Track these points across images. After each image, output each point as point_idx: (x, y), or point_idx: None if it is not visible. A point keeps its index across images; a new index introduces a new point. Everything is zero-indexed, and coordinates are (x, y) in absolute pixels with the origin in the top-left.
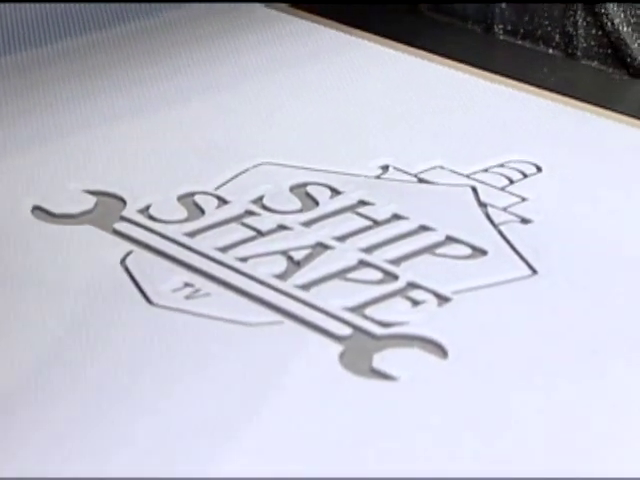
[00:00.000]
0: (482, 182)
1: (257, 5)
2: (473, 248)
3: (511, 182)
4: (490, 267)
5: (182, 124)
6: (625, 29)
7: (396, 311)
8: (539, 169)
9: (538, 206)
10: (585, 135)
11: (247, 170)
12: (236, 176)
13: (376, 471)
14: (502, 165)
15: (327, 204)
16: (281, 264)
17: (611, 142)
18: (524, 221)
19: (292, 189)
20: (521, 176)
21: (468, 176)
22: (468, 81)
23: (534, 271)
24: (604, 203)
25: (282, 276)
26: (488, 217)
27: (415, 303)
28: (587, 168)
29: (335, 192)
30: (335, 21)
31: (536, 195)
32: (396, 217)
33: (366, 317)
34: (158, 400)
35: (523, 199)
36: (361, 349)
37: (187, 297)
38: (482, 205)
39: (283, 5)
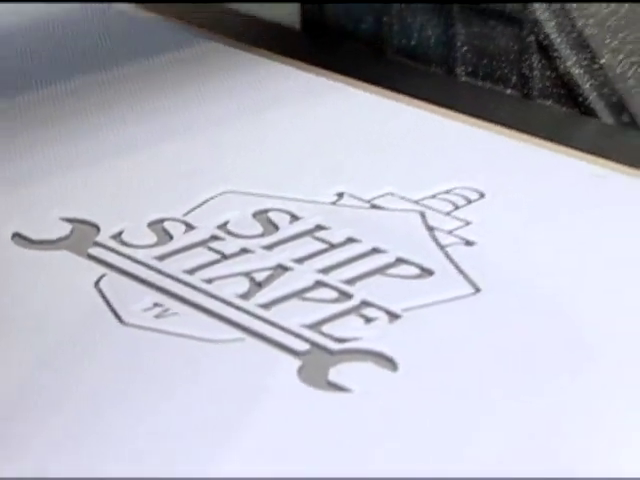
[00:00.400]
0: (430, 207)
1: (235, 50)
2: (421, 268)
3: (456, 207)
4: (437, 286)
5: (154, 159)
6: (577, 71)
7: (350, 328)
8: (483, 195)
9: (481, 229)
10: (532, 166)
11: (213, 198)
12: (203, 203)
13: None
14: (448, 192)
15: (287, 229)
16: (244, 285)
17: (557, 173)
18: (468, 243)
19: (255, 215)
20: (466, 202)
21: (417, 202)
22: (428, 118)
23: (478, 289)
24: (546, 227)
25: (245, 296)
26: (435, 240)
27: (368, 320)
28: (530, 195)
29: (294, 218)
30: (306, 63)
31: (480, 219)
32: (350, 240)
33: (323, 334)
34: (135, 410)
35: (467, 223)
36: (318, 363)
37: (157, 316)
38: (429, 229)
39: (258, 49)
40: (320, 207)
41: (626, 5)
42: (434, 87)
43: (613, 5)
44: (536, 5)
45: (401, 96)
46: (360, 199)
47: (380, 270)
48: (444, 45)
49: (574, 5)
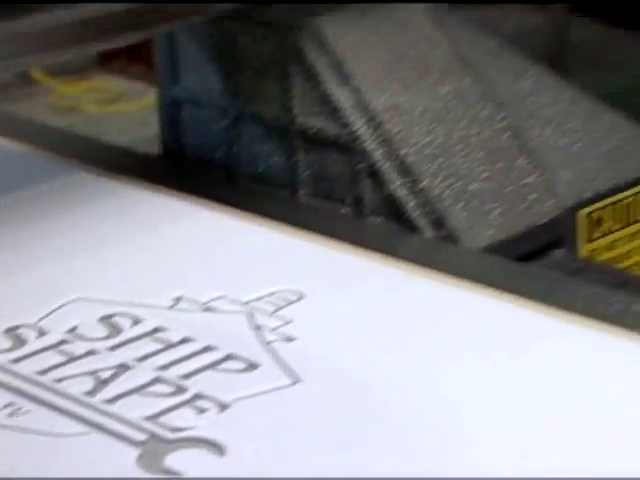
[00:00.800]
0: (256, 308)
1: (101, 179)
2: (248, 363)
3: (281, 307)
4: (262, 378)
5: (15, 275)
6: (402, 192)
7: (185, 418)
8: (304, 297)
9: (301, 326)
10: (354, 274)
11: (64, 305)
12: (55, 310)
13: None
14: (273, 294)
15: (129, 331)
16: (90, 383)
17: (374, 279)
18: (289, 339)
19: (101, 319)
20: (288, 302)
21: (246, 304)
22: (268, 234)
23: (298, 380)
24: (359, 325)
25: (91, 393)
26: (260, 337)
27: (201, 411)
28: (347, 298)
29: (136, 321)
30: (167, 188)
31: (300, 318)
32: (186, 340)
33: (160, 425)
34: None
35: (289, 321)
36: (156, 452)
37: (10, 415)
38: (256, 327)
39: (123, 177)
40: (159, 311)
41: (441, 137)
42: (279, 208)
43: (430, 136)
44: (365, 137)
45: (249, 216)
46: (196, 302)
47: (212, 366)
48: (288, 170)
49: (397, 137)
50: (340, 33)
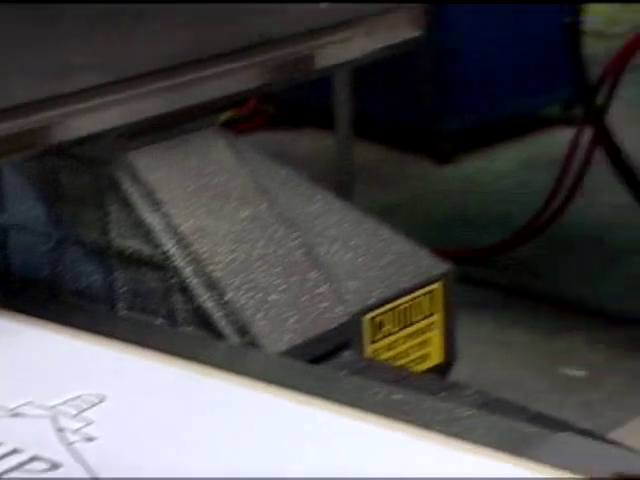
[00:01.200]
0: (61, 411)
1: None
2: (52, 463)
3: (83, 410)
4: (64, 477)
5: None
6: (210, 305)
7: None
8: (105, 400)
9: (101, 426)
10: (155, 378)
11: None
12: None
13: None
14: (77, 398)
15: None
16: None
17: (175, 382)
18: (90, 439)
19: None
20: (91, 405)
21: (51, 407)
22: (84, 346)
23: (97, 477)
24: (155, 423)
25: None
26: (64, 438)
27: None
28: (146, 402)
29: None
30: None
31: (101, 419)
32: None
33: None
34: None
35: (90, 422)
36: None
37: None
38: (60, 429)
39: None
40: None
41: (243, 255)
42: (98, 321)
43: (233, 255)
44: (175, 256)
45: (70, 330)
46: (4, 408)
47: (17, 467)
48: (107, 287)
49: (204, 255)
50: (151, 166)
